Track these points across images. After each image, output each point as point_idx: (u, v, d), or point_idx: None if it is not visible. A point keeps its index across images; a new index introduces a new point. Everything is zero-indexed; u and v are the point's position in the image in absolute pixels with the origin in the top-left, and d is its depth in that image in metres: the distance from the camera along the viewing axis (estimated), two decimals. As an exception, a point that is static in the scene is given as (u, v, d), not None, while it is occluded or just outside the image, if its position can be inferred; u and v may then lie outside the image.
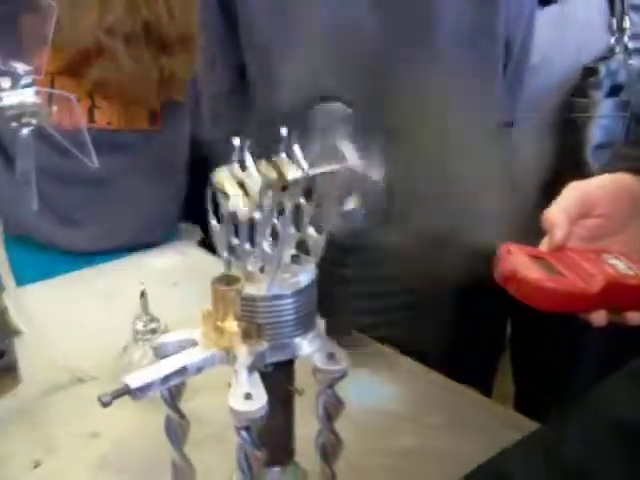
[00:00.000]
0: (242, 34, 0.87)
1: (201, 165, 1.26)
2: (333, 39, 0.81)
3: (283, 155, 0.46)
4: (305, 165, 0.45)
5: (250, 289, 0.46)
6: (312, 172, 0.45)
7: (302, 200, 0.46)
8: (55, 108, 0.91)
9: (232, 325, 0.45)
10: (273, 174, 0.44)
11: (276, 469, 0.52)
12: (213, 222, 0.47)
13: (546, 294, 0.54)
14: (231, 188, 0.44)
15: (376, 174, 0.46)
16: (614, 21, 0.92)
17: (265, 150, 0.46)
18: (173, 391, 0.47)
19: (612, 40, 0.92)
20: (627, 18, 0.92)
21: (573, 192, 0.61)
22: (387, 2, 0.78)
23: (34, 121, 0.66)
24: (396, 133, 0.79)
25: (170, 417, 0.48)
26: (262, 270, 0.47)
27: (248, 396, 0.42)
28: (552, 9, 0.88)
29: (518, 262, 0.56)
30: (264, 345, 0.46)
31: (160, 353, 0.47)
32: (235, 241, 0.47)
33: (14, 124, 0.66)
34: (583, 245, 0.60)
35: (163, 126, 1.19)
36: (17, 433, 0.71)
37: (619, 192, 0.61)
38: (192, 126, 1.26)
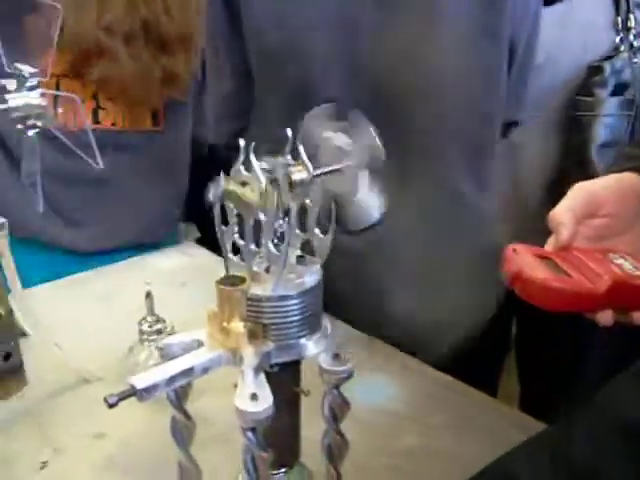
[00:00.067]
0: (247, 36, 0.87)
1: (198, 164, 1.28)
2: (336, 41, 0.81)
3: (288, 156, 0.46)
4: (310, 166, 0.45)
5: (256, 289, 0.46)
6: (317, 172, 0.45)
7: (307, 200, 0.46)
8: (60, 110, 0.91)
9: (238, 326, 0.45)
10: (278, 175, 0.44)
11: (282, 470, 0.52)
12: (218, 223, 0.47)
13: (552, 294, 0.54)
14: (238, 189, 0.44)
15: (378, 174, 0.46)
16: (619, 20, 0.92)
17: (269, 151, 0.46)
18: (179, 392, 0.47)
19: (617, 39, 0.92)
20: (632, 17, 0.92)
21: (579, 192, 0.61)
22: (391, 3, 0.78)
23: (39, 123, 0.66)
24: (399, 134, 0.79)
25: (176, 418, 0.48)
26: (268, 270, 0.47)
27: (254, 397, 0.42)
28: (557, 8, 0.88)
29: (524, 262, 0.56)
30: (270, 346, 0.46)
31: (166, 354, 0.47)
32: (241, 242, 0.47)
33: (20, 126, 0.66)
34: (589, 245, 0.60)
35: (165, 126, 1.20)
36: (23, 434, 0.71)
37: (625, 192, 0.61)
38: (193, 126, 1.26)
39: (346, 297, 0.89)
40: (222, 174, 0.46)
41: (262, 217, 0.45)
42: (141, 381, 0.43)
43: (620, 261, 0.57)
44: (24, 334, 0.75)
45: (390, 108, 0.79)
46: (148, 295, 0.76)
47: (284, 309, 0.46)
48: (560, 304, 0.54)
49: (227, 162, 0.46)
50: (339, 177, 0.48)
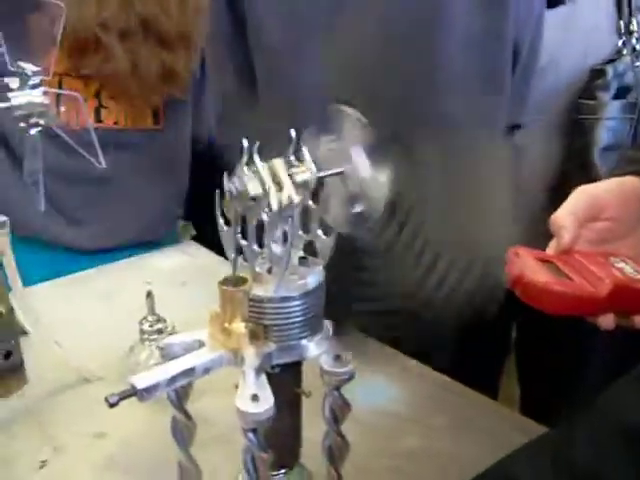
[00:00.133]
0: (250, 35, 0.87)
1: (196, 163, 1.28)
2: (338, 40, 0.81)
3: (292, 157, 0.46)
4: (313, 167, 0.45)
5: (258, 290, 0.46)
6: (321, 174, 0.45)
7: (310, 202, 0.46)
8: (63, 108, 0.91)
9: (240, 326, 0.45)
10: (281, 176, 0.44)
11: (282, 471, 0.52)
12: (221, 223, 0.47)
13: (553, 297, 0.54)
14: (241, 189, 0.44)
15: (383, 177, 0.46)
16: (621, 23, 0.92)
17: (273, 151, 0.46)
18: (180, 392, 0.47)
19: (619, 42, 0.92)
20: (634, 20, 0.91)
21: (581, 195, 0.61)
22: (394, 4, 0.78)
23: (42, 121, 0.66)
24: (404, 137, 0.79)
25: (176, 418, 0.48)
26: (270, 271, 0.47)
27: (255, 398, 0.42)
28: (559, 10, 0.87)
29: (525, 265, 0.56)
30: (271, 347, 0.46)
31: (167, 354, 0.47)
32: (243, 242, 0.47)
33: (22, 124, 0.66)
34: (591, 248, 0.60)
35: (165, 125, 1.20)
36: (23, 433, 0.71)
37: (627, 195, 0.61)
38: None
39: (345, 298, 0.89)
40: (225, 174, 0.46)
41: (265, 218, 0.45)
42: (142, 381, 0.43)
43: (621, 265, 0.57)
44: (25, 332, 0.75)
45: (392, 108, 0.79)
46: (149, 294, 0.76)
47: (286, 310, 0.46)
48: (561, 307, 0.54)
49: (228, 162, 0.46)
50: (342, 180, 0.48)
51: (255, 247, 0.47)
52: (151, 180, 1.19)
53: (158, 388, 0.43)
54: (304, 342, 0.47)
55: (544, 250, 0.61)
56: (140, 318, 0.77)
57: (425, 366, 0.82)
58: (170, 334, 0.75)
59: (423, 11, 0.77)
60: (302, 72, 0.83)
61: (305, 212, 0.46)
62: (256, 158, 0.44)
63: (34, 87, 0.65)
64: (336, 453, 0.52)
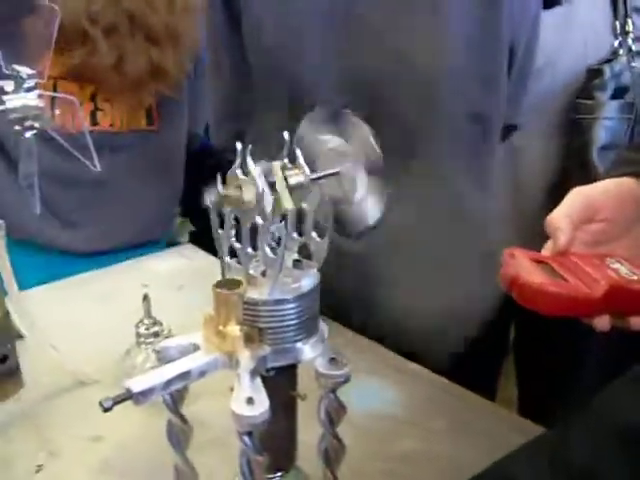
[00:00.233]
0: (246, 35, 0.87)
1: (192, 161, 1.28)
2: (335, 40, 0.81)
3: (285, 159, 0.45)
4: (307, 169, 0.45)
5: (252, 293, 0.46)
6: (314, 176, 0.45)
7: (304, 204, 0.46)
8: (58, 111, 0.91)
9: (234, 329, 0.44)
10: (275, 178, 0.44)
11: (278, 474, 0.52)
12: (215, 226, 0.47)
13: (549, 299, 0.54)
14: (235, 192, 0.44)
15: (377, 178, 0.46)
16: (617, 24, 0.92)
17: (267, 154, 0.46)
18: (175, 396, 0.47)
19: (616, 43, 0.92)
20: (630, 21, 0.91)
21: (577, 196, 0.61)
22: (392, 3, 0.78)
23: (37, 125, 0.66)
24: (398, 135, 0.79)
25: (172, 421, 0.48)
26: (264, 274, 0.47)
27: (250, 401, 0.42)
28: (556, 11, 0.87)
29: (521, 266, 0.56)
30: (266, 350, 0.46)
31: (163, 357, 0.47)
32: (237, 245, 0.47)
33: (17, 127, 0.66)
34: (586, 250, 0.60)
35: (160, 125, 1.20)
36: (19, 437, 0.71)
37: (623, 196, 0.61)
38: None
39: (344, 298, 0.89)
40: (219, 177, 0.45)
41: (259, 221, 0.45)
42: (137, 384, 0.42)
43: (617, 266, 0.57)
44: (20, 336, 0.75)
45: (389, 109, 0.79)
46: (145, 298, 0.75)
47: (280, 313, 0.45)
48: (557, 309, 0.54)
49: (227, 164, 0.46)
50: (337, 180, 0.48)
51: (249, 250, 0.47)
52: (146, 182, 1.19)
53: (154, 392, 0.43)
54: (299, 345, 0.47)
55: (540, 251, 0.61)
56: (136, 321, 0.77)
57: (422, 368, 0.82)
58: (166, 337, 0.75)
59: (418, 9, 0.77)
60: (299, 71, 0.83)
61: (299, 214, 0.46)
62: (249, 161, 0.44)
63: (29, 90, 0.65)
64: (332, 456, 0.51)
